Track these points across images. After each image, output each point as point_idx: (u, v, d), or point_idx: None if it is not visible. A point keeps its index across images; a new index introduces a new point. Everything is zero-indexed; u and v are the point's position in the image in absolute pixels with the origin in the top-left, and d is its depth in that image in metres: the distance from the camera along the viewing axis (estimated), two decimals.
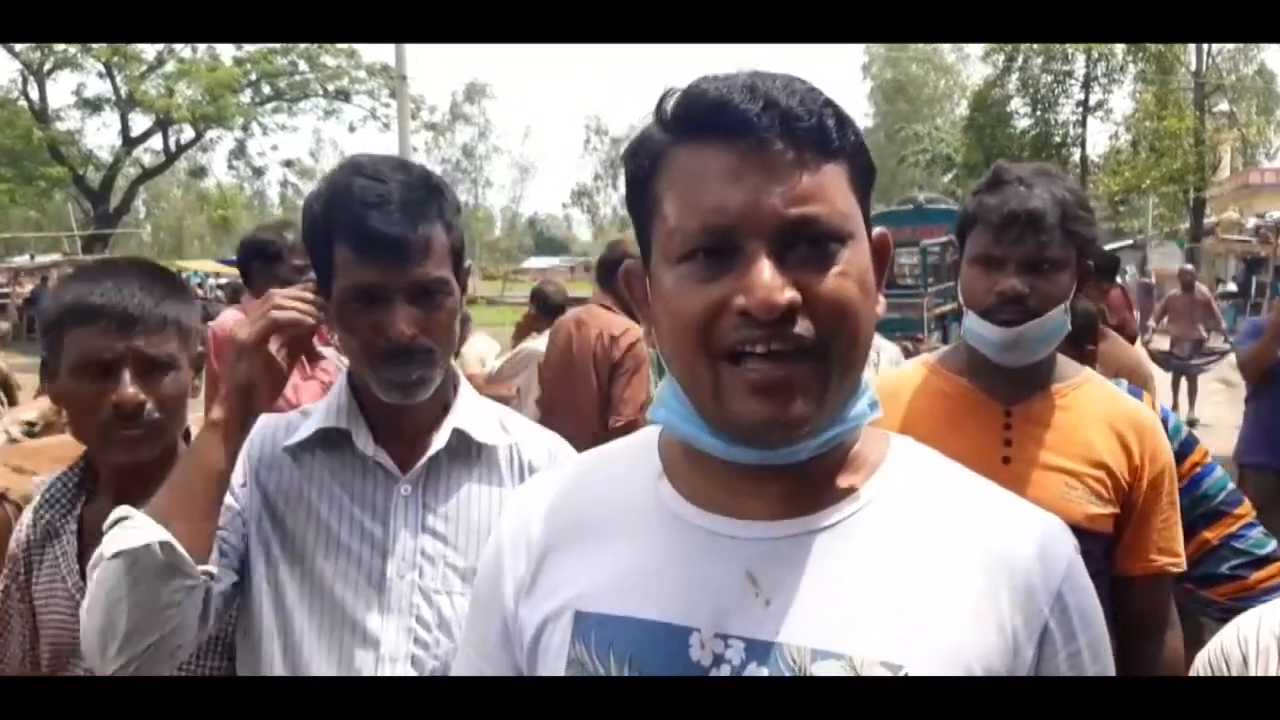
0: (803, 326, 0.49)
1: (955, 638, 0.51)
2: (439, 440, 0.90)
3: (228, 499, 0.83)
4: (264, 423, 0.90)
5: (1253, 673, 0.80)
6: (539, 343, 3.64)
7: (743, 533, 0.54)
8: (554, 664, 0.55)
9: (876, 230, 0.55)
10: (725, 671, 0.51)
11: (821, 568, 0.53)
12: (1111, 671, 0.56)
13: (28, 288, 14.64)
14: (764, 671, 0.51)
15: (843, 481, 0.55)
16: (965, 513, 0.55)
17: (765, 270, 0.49)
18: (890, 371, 1.30)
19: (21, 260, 17.30)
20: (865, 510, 0.55)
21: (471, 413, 0.92)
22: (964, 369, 1.16)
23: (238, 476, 0.87)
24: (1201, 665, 0.85)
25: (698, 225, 0.50)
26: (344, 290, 0.85)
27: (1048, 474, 1.11)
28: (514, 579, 0.59)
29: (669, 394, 0.56)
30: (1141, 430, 1.14)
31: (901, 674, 0.50)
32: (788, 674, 0.51)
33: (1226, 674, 0.82)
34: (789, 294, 0.49)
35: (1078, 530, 1.13)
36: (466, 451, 0.91)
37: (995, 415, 1.13)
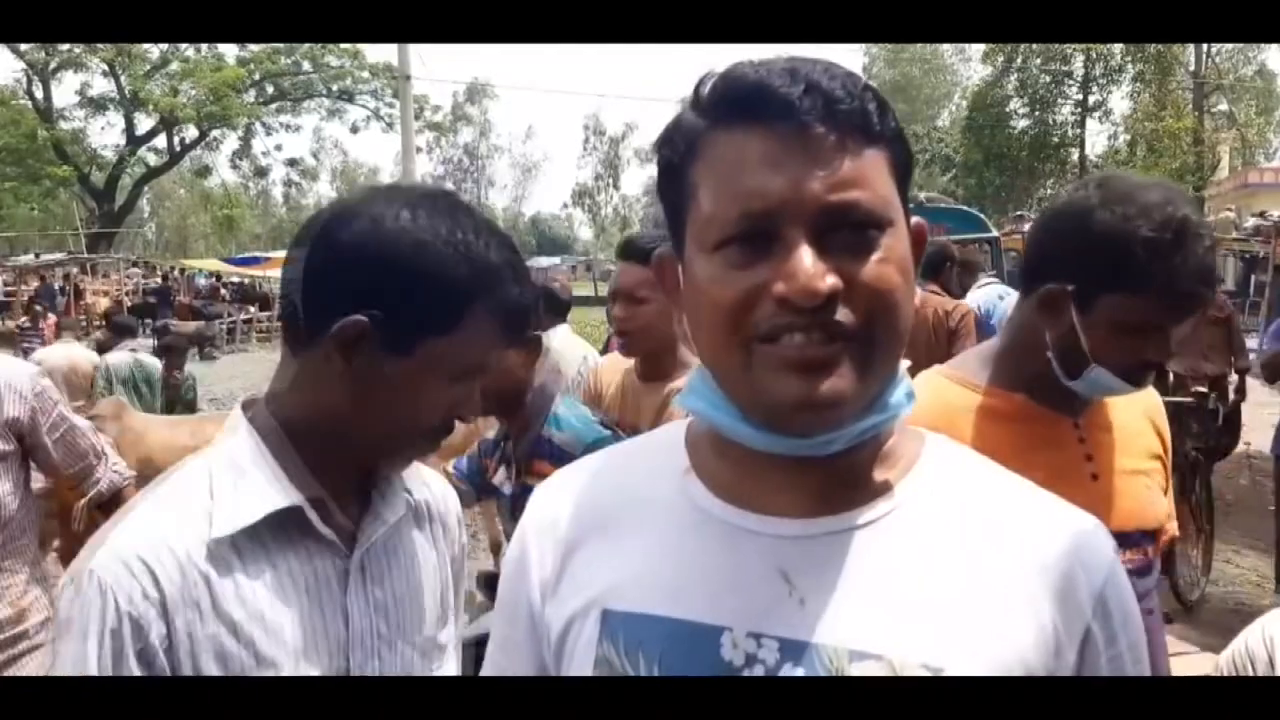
0: (843, 314, 0.48)
1: (996, 639, 0.50)
2: (389, 494, 0.76)
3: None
4: (145, 536, 0.66)
5: (1279, 672, 0.80)
6: (547, 340, 3.63)
7: (775, 530, 0.53)
8: (581, 662, 0.54)
9: (915, 219, 0.54)
10: (759, 672, 0.50)
11: (858, 567, 0.51)
12: (1148, 671, 0.55)
13: (33, 285, 14.69)
14: (800, 672, 0.50)
15: (878, 477, 0.54)
16: (1004, 512, 0.54)
17: (806, 257, 0.47)
18: (925, 400, 1.12)
19: (26, 259, 17.35)
20: (902, 508, 0.53)
21: None
22: (1020, 384, 1.01)
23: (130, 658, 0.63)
24: (1226, 664, 0.84)
25: (737, 212, 0.49)
26: (470, 351, 0.70)
27: (1130, 479, 1.01)
28: (539, 577, 0.58)
29: (700, 382, 0.55)
30: (1157, 406, 1.08)
31: (942, 676, 0.49)
32: (824, 675, 0.49)
33: (1252, 673, 0.83)
34: (830, 280, 0.47)
35: (1155, 534, 1.02)
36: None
37: (1069, 431, 1.01)
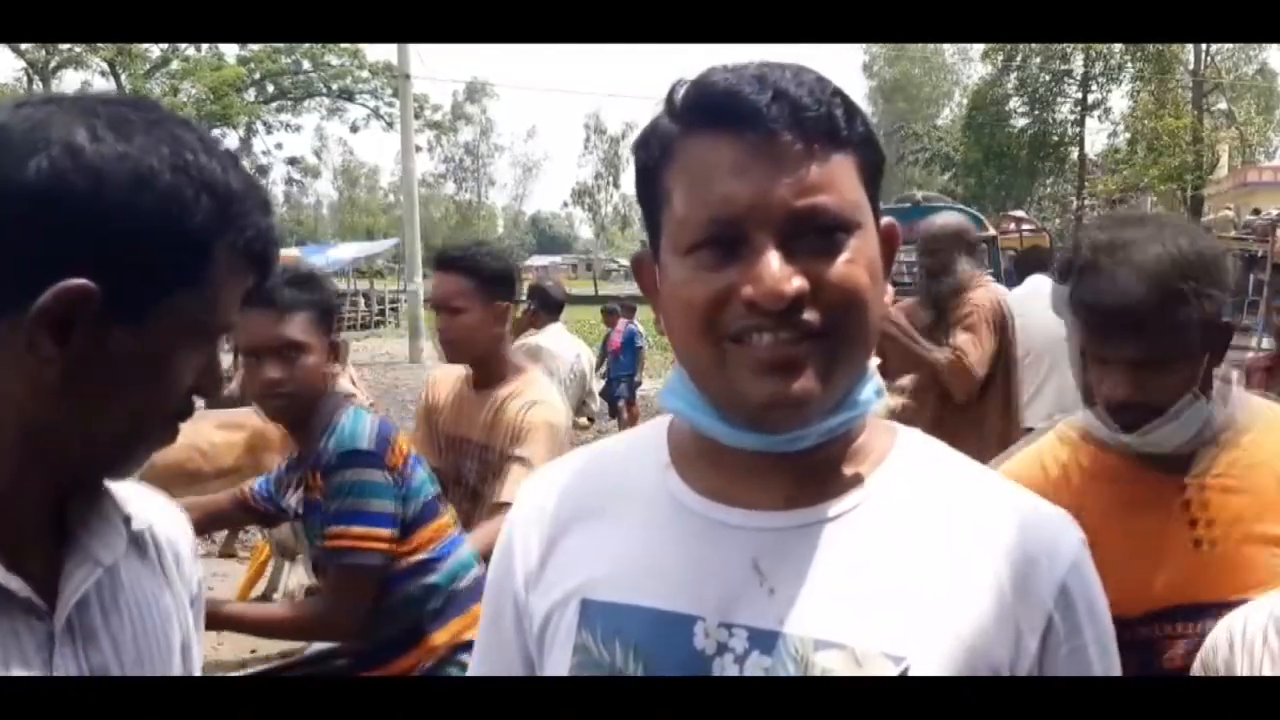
0: (810, 315, 0.50)
1: (958, 630, 0.51)
2: (100, 525, 0.56)
3: None
4: None
5: (1239, 659, 0.82)
6: (540, 339, 3.64)
7: (748, 522, 0.54)
8: (561, 650, 0.56)
9: (885, 220, 0.55)
10: (729, 660, 0.52)
11: (826, 558, 0.53)
12: (1118, 667, 0.56)
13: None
14: (767, 660, 0.51)
15: (848, 472, 0.55)
16: (971, 504, 0.55)
17: (773, 260, 0.49)
18: (1028, 452, 1.05)
19: None
20: (870, 501, 0.55)
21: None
22: (1121, 444, 0.96)
23: None
24: (1195, 664, 0.86)
25: (706, 217, 0.51)
26: (219, 304, 0.56)
27: (1249, 549, 0.93)
28: (524, 567, 0.60)
29: (677, 381, 0.57)
30: None
31: (904, 666, 0.50)
32: (791, 663, 0.51)
33: (1214, 661, 0.85)
34: (797, 283, 0.49)
35: None
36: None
37: (1172, 491, 0.95)
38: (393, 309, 20.36)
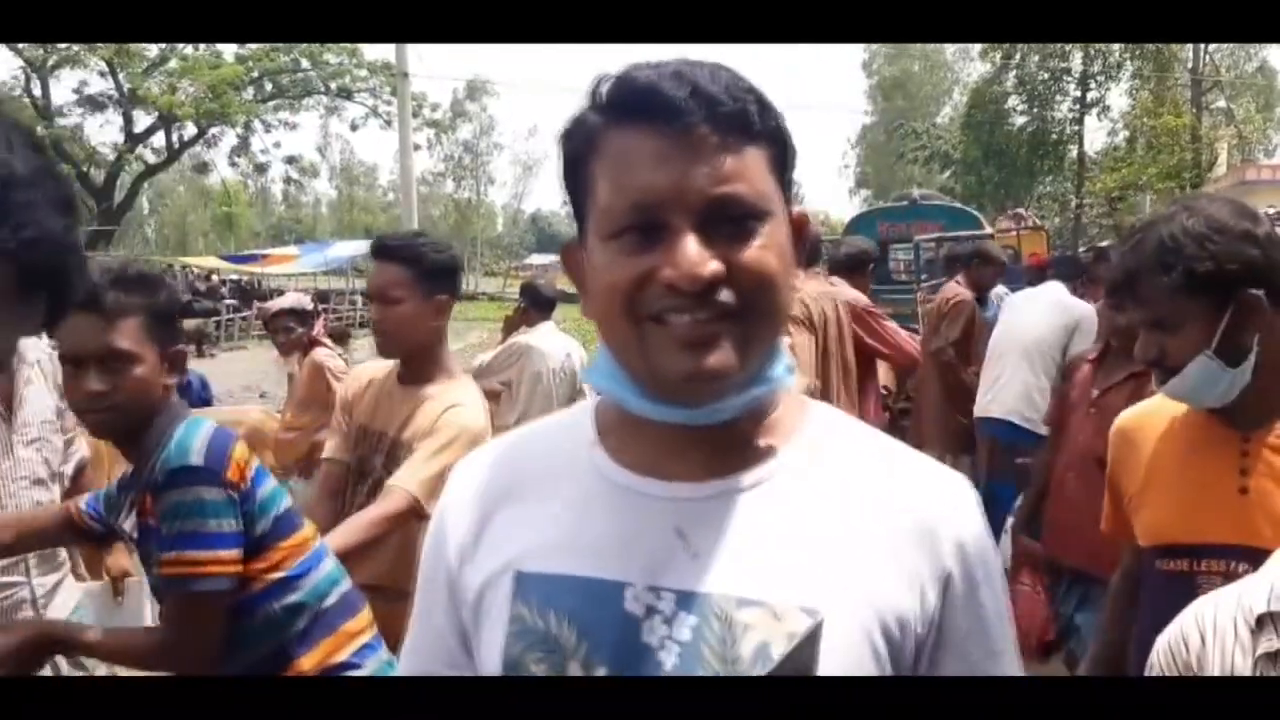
0: (725, 296, 0.53)
1: (867, 584, 0.55)
2: None
3: None
4: None
5: (1210, 651, 0.83)
6: (530, 337, 3.64)
7: (671, 493, 0.58)
8: (496, 620, 0.58)
9: (796, 209, 0.59)
10: (658, 620, 0.56)
11: (744, 524, 0.57)
12: (1007, 617, 0.60)
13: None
14: (693, 619, 0.55)
15: (763, 443, 0.59)
16: (875, 470, 0.59)
17: (691, 245, 0.53)
18: (1146, 402, 1.20)
19: None
20: (784, 470, 0.58)
21: None
22: None
23: None
24: (1163, 647, 0.87)
25: (628, 204, 0.54)
26: None
27: None
28: (457, 542, 0.62)
29: (602, 360, 0.60)
30: None
31: (818, 618, 0.54)
32: (715, 621, 0.55)
33: (1185, 655, 0.85)
34: (713, 266, 0.52)
35: None
36: None
37: (1231, 443, 1.06)
38: None
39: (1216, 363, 1.02)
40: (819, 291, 2.94)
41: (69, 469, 1.90)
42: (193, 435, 1.19)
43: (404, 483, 1.52)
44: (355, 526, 1.47)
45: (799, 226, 0.59)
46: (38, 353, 1.81)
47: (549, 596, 0.57)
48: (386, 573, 1.54)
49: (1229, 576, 0.98)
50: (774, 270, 0.55)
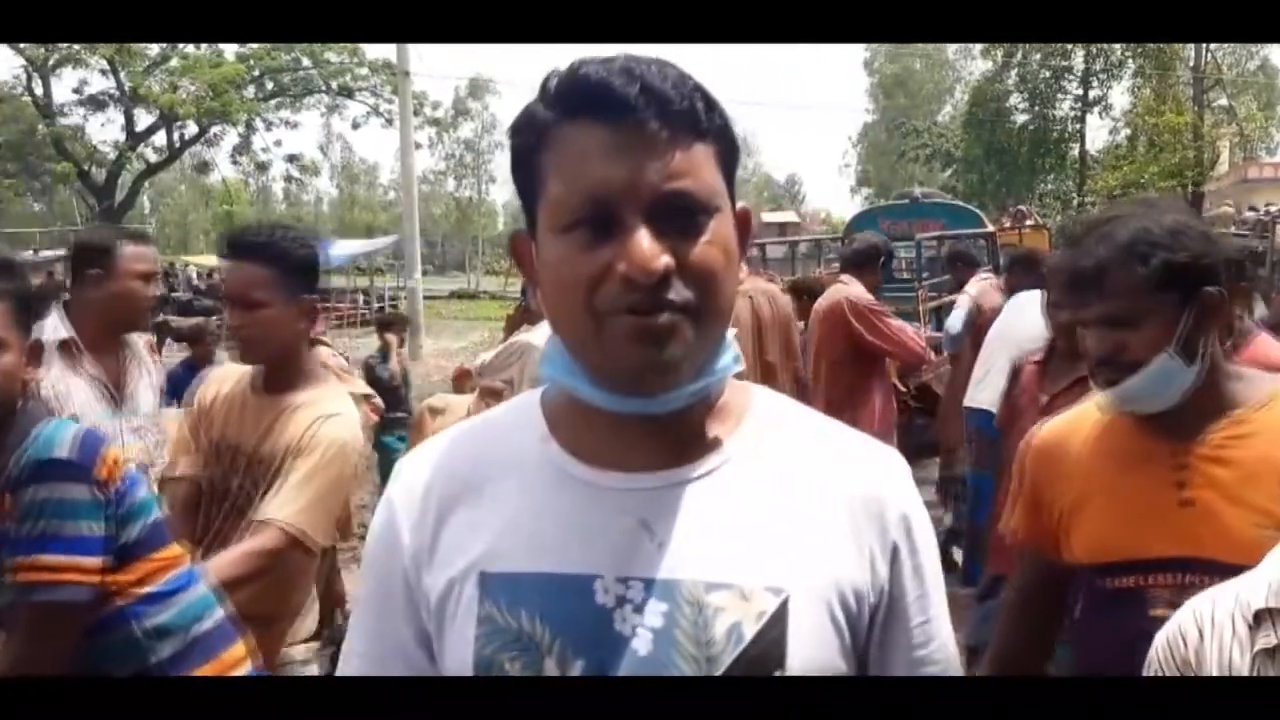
0: (676, 290, 0.55)
1: (824, 560, 0.58)
2: None
3: None
4: None
5: (1208, 647, 0.83)
6: (532, 335, 3.64)
7: (631, 484, 0.59)
8: (464, 623, 0.58)
9: (740, 205, 0.60)
10: (629, 610, 0.57)
11: (706, 510, 0.59)
12: (942, 581, 0.63)
13: (34, 282, 14.62)
14: (664, 606, 0.56)
15: (713, 431, 0.61)
16: (819, 450, 0.62)
17: (644, 239, 0.54)
18: (1065, 415, 1.18)
19: (25, 255, 17.30)
20: (736, 458, 0.61)
21: None
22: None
23: None
24: (1161, 644, 0.87)
25: (581, 198, 0.55)
26: None
27: (1233, 514, 1.01)
28: (412, 545, 0.61)
29: (554, 351, 0.61)
30: None
31: (783, 596, 0.57)
32: (686, 606, 0.56)
33: (1183, 650, 0.85)
34: (665, 260, 0.54)
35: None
36: None
37: (1165, 455, 1.04)
38: (392, 306, 20.36)
39: (1177, 361, 1.02)
40: (750, 287, 3.06)
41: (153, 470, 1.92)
42: (63, 431, 1.11)
43: (278, 515, 1.39)
44: (225, 563, 1.34)
45: (743, 222, 0.60)
46: (141, 346, 1.92)
47: (518, 595, 0.57)
48: (253, 601, 1.35)
49: (1180, 589, 0.99)
50: (720, 266, 0.56)
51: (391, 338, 5.37)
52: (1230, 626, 0.81)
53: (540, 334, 3.70)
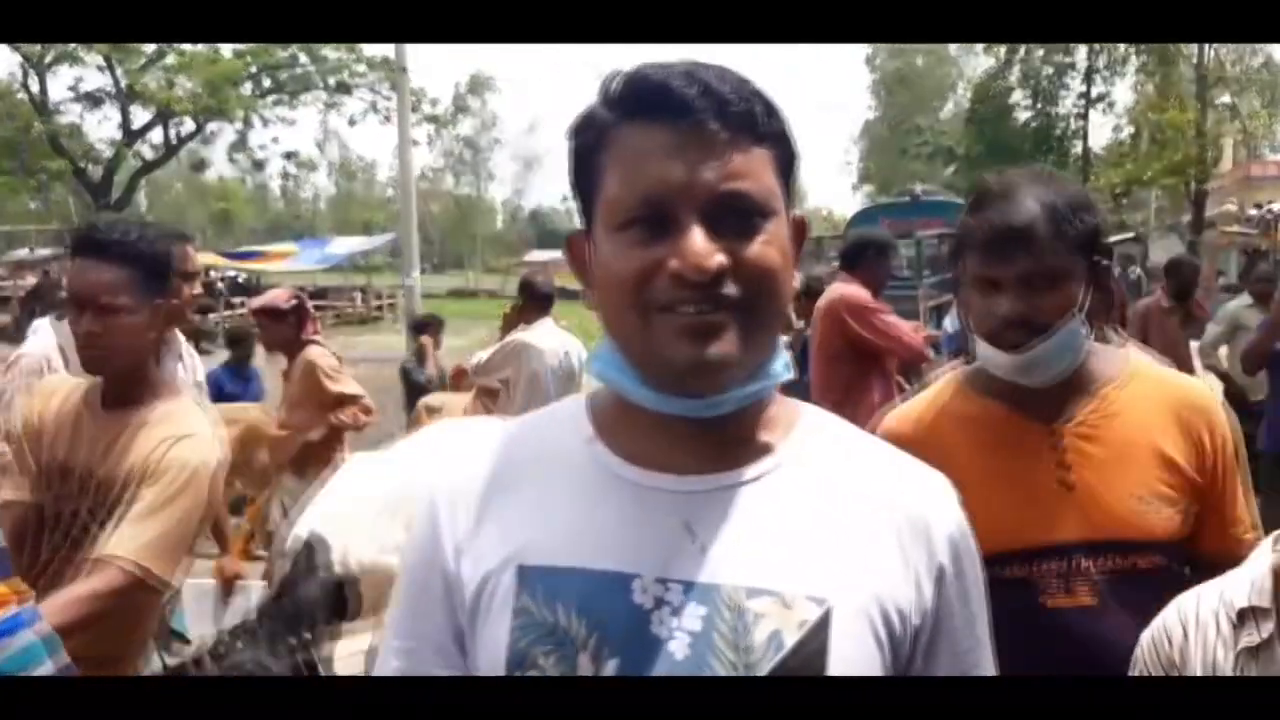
0: (730, 288, 0.55)
1: (869, 575, 0.58)
2: None
3: None
4: None
5: (1192, 645, 0.85)
6: (529, 334, 3.63)
7: (676, 486, 0.59)
8: (499, 616, 0.58)
9: (795, 213, 0.61)
10: (666, 612, 0.56)
11: (750, 516, 0.58)
12: (988, 610, 0.63)
13: (30, 280, 14.64)
14: (703, 610, 0.56)
15: (763, 438, 0.61)
16: (867, 467, 0.62)
17: (698, 237, 0.54)
18: (911, 402, 1.16)
19: (21, 254, 17.26)
20: (785, 465, 0.61)
21: None
22: (994, 390, 1.07)
23: None
24: (1146, 641, 0.89)
25: (638, 196, 0.55)
26: None
27: (1114, 491, 1.02)
28: (452, 539, 0.61)
29: (605, 350, 0.61)
30: (1204, 411, 1.05)
31: (825, 607, 0.56)
32: (726, 611, 0.56)
33: (1168, 649, 0.87)
34: (719, 259, 0.54)
35: (1155, 545, 1.04)
36: None
37: (1042, 438, 1.04)
38: (390, 304, 20.35)
39: (1082, 327, 1.02)
40: None
41: None
42: None
43: (119, 552, 1.24)
44: (59, 606, 1.18)
45: (799, 230, 0.61)
46: (179, 345, 1.96)
47: (556, 589, 0.57)
48: (91, 643, 1.21)
49: (1071, 575, 1.00)
50: (776, 267, 0.56)
51: (427, 340, 5.30)
52: (1214, 625, 0.83)
53: (536, 333, 3.70)
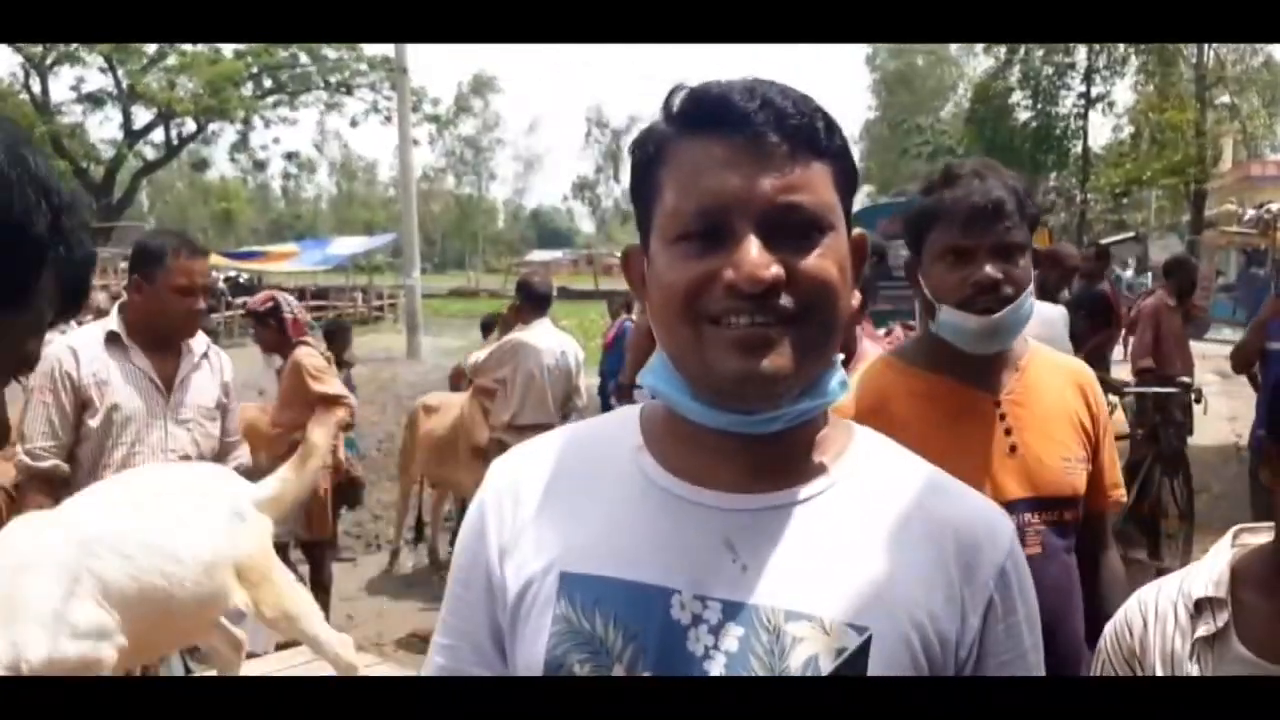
0: (785, 300, 0.54)
1: (913, 604, 0.56)
2: None
3: None
4: None
5: (1151, 635, 0.89)
6: (526, 334, 3.63)
7: (721, 503, 0.58)
8: (538, 620, 0.58)
9: (856, 230, 0.60)
10: (703, 630, 0.56)
11: (795, 538, 0.57)
12: (1039, 641, 0.61)
13: None
14: (740, 630, 0.55)
15: (814, 459, 0.60)
16: (922, 495, 0.61)
17: (753, 248, 0.53)
18: (865, 383, 1.22)
19: None
20: (835, 488, 0.59)
21: None
22: (939, 365, 1.16)
23: None
24: (1109, 632, 0.93)
25: (695, 207, 0.55)
26: (33, 336, 0.49)
27: (1050, 454, 1.15)
28: (498, 540, 0.61)
29: (658, 362, 0.61)
30: (1091, 384, 1.23)
31: (866, 635, 0.55)
32: (764, 633, 0.55)
33: (1129, 640, 0.91)
34: (774, 269, 0.53)
35: (1076, 500, 1.18)
36: None
37: (989, 407, 1.15)
38: (391, 304, 20.36)
39: (1033, 301, 1.14)
40: None
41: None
42: None
43: None
44: None
45: (859, 248, 0.60)
46: (204, 344, 2.02)
47: (596, 598, 0.57)
48: None
49: (1021, 529, 1.09)
50: (833, 280, 0.55)
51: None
52: (1173, 615, 0.86)
53: (533, 333, 3.71)
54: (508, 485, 0.63)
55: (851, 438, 0.62)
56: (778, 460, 0.59)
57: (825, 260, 0.55)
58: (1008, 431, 1.14)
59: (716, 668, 0.55)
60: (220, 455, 2.03)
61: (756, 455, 0.58)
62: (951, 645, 0.57)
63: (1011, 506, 1.11)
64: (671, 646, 0.55)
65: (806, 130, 0.55)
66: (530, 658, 0.58)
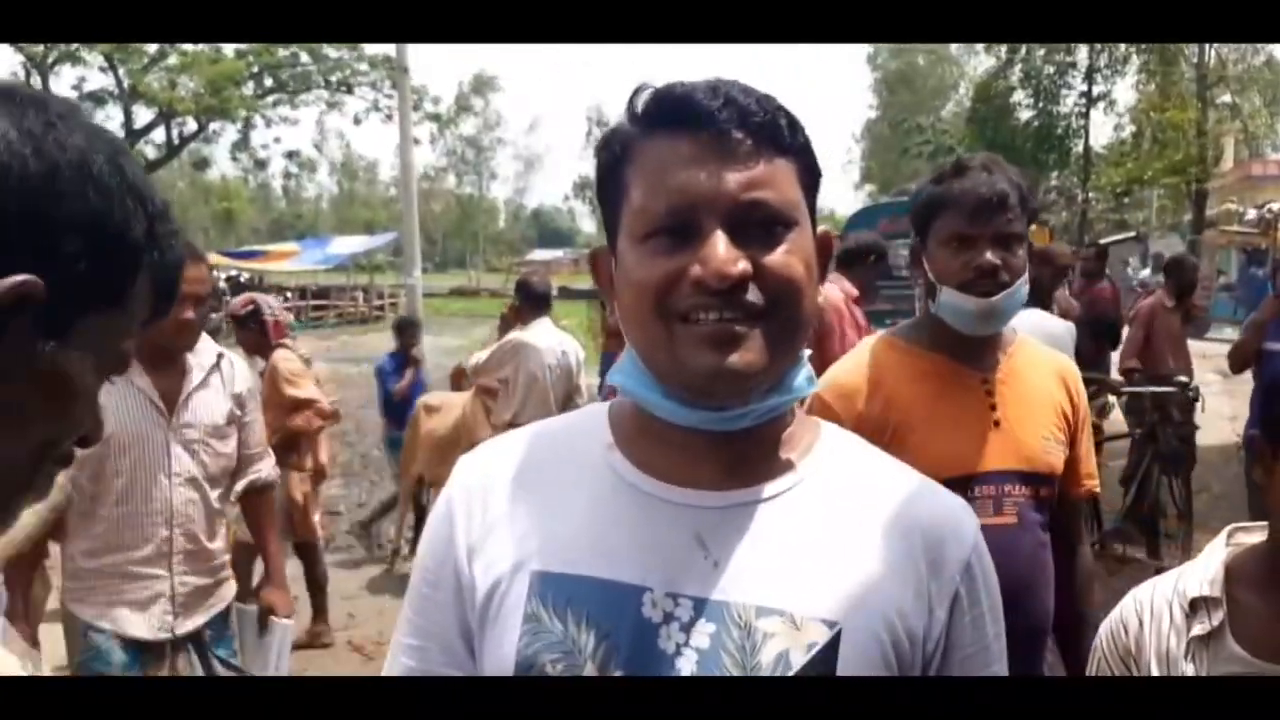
0: (753, 295, 0.54)
1: (881, 598, 0.57)
2: None
3: None
4: None
5: (1147, 634, 0.89)
6: (526, 334, 3.63)
7: (691, 500, 0.58)
8: (509, 619, 0.58)
9: (821, 228, 0.61)
10: (675, 627, 0.56)
11: (764, 534, 0.58)
12: (1002, 630, 0.62)
13: None
14: (711, 627, 0.55)
15: (782, 456, 0.60)
16: (888, 491, 0.61)
17: (721, 244, 0.54)
18: (848, 361, 1.32)
19: None
20: (803, 484, 0.60)
21: None
22: (937, 345, 1.26)
23: None
24: (1105, 632, 0.93)
25: (662, 206, 0.55)
26: (127, 335, 0.50)
27: (1030, 431, 1.25)
28: (466, 539, 0.61)
29: (628, 361, 0.61)
30: (1073, 376, 1.32)
31: (836, 629, 0.55)
32: (734, 629, 0.55)
33: (1125, 638, 0.92)
34: (742, 265, 0.54)
35: (1052, 478, 1.29)
36: None
37: (977, 385, 1.25)
38: (391, 304, 20.36)
39: (1027, 288, 1.23)
40: None
41: (239, 485, 1.94)
42: None
43: None
44: None
45: (824, 245, 0.60)
46: (212, 356, 1.88)
47: (567, 597, 0.57)
48: None
49: (1001, 498, 1.21)
50: (799, 276, 0.56)
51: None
52: (1168, 614, 0.86)
53: (533, 333, 3.70)
54: (476, 483, 0.62)
55: (818, 435, 0.63)
56: (746, 457, 0.59)
57: (791, 256, 0.56)
58: (993, 407, 1.23)
59: (688, 665, 0.55)
60: (238, 470, 1.92)
61: (725, 452, 0.58)
62: (919, 638, 0.57)
63: (992, 477, 1.22)
64: (643, 645, 0.55)
65: (770, 127, 0.56)
66: (500, 658, 0.57)
